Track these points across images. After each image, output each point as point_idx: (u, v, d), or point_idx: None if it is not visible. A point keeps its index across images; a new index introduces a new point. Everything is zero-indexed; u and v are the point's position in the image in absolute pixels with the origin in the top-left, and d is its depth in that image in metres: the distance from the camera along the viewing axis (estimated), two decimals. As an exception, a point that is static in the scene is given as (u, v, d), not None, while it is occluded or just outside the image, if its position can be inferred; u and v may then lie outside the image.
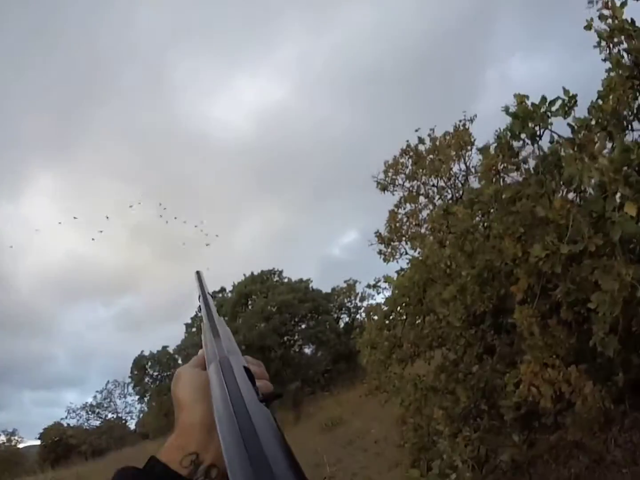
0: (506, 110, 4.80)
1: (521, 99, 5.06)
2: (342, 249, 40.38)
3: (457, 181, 15.94)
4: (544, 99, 4.84)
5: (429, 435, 6.11)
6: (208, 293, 1.12)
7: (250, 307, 24.36)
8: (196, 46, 55.24)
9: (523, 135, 4.85)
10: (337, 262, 37.19)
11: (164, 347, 28.87)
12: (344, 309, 25.56)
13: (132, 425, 33.31)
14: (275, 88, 54.22)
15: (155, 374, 28.33)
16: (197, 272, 1.21)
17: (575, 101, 5.03)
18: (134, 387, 28.89)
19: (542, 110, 4.87)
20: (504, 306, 5.71)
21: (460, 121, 16.01)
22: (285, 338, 23.96)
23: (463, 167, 15.82)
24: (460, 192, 14.90)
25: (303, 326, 24.61)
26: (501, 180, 5.07)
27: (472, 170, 15.17)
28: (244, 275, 25.65)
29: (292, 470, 0.56)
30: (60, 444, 29.40)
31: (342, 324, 25.15)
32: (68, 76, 47.02)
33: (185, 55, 54.70)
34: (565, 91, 5.03)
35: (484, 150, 5.20)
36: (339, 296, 25.30)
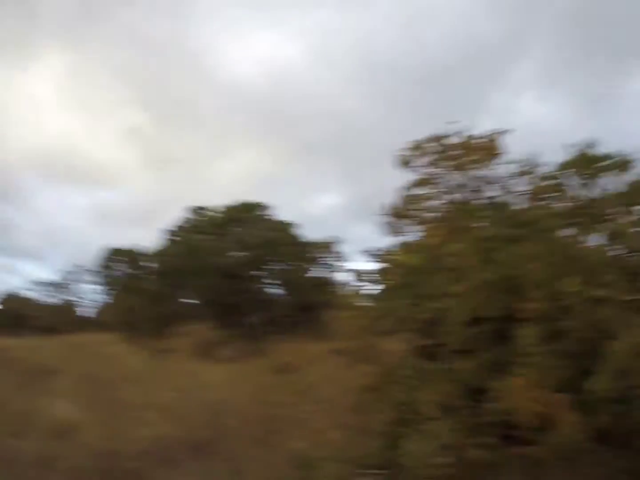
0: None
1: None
2: (320, 206, 40.89)
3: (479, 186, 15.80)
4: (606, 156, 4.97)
5: (411, 413, 6.24)
6: None
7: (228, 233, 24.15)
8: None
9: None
10: (314, 217, 37.50)
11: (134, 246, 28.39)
12: (319, 262, 25.57)
13: (90, 312, 33.35)
14: (290, 46, 52.72)
15: (123, 269, 28.10)
16: None
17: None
18: (99, 274, 28.51)
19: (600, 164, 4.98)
20: (510, 316, 5.76)
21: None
22: (257, 273, 23.95)
23: (485, 174, 15.67)
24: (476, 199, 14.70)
25: (277, 267, 24.60)
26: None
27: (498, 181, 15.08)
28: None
29: None
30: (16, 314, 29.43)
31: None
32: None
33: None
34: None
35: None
36: (317, 248, 25.27)
